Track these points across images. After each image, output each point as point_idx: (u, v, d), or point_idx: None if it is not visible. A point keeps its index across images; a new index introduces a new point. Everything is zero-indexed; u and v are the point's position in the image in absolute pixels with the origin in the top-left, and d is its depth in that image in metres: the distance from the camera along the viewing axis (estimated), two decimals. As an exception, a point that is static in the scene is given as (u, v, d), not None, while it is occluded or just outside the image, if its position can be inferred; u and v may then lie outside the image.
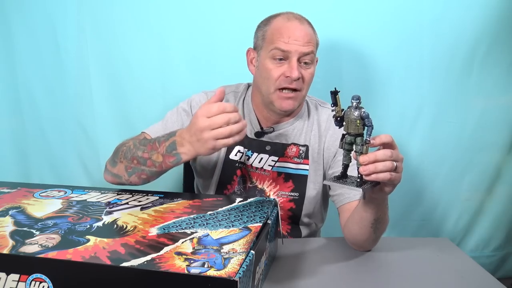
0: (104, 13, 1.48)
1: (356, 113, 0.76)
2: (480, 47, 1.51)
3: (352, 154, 0.79)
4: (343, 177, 0.82)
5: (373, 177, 0.77)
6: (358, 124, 0.76)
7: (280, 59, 1.05)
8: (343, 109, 0.78)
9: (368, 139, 0.76)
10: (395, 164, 0.77)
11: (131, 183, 1.01)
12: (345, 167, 0.82)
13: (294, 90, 1.06)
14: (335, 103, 0.78)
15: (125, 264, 0.65)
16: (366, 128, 0.76)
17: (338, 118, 0.78)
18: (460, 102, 1.56)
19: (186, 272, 0.63)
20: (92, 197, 0.96)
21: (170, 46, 1.51)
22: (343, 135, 0.80)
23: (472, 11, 1.47)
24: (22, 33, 1.49)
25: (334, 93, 0.77)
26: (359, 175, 0.78)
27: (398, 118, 1.56)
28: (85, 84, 1.52)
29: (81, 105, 1.54)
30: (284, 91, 1.06)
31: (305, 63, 1.06)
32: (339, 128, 0.79)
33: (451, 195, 1.65)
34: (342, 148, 0.80)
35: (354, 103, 0.76)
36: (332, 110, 0.78)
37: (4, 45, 1.50)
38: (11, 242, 0.73)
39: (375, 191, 0.83)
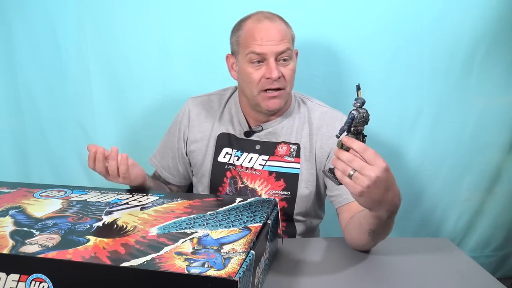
0: (104, 13, 1.48)
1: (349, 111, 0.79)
2: (480, 47, 1.51)
3: None
4: None
5: (335, 170, 0.80)
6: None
7: (258, 62, 1.05)
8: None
9: (338, 134, 0.80)
10: (350, 171, 0.77)
11: None
12: None
13: (278, 89, 1.06)
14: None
15: (125, 264, 0.65)
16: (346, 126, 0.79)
17: None
18: (460, 102, 1.56)
19: (186, 272, 0.63)
20: (92, 197, 0.96)
21: (170, 46, 1.51)
22: None
23: (472, 11, 1.47)
24: (22, 33, 1.49)
25: (357, 88, 0.80)
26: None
27: (398, 118, 1.56)
28: (85, 84, 1.52)
29: (81, 105, 1.54)
30: (268, 91, 1.06)
31: (284, 60, 1.06)
32: None
33: (451, 195, 1.65)
34: None
35: (353, 103, 0.78)
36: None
37: (4, 45, 1.50)
38: (11, 242, 0.73)
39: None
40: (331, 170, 0.83)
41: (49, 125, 1.57)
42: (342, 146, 0.80)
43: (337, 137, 0.80)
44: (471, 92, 1.55)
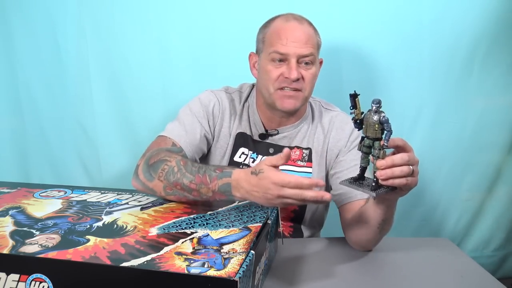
0: (104, 13, 1.48)
1: (376, 117, 0.75)
2: (480, 48, 1.51)
3: (370, 157, 0.78)
4: (360, 179, 0.82)
5: (389, 182, 0.76)
6: (376, 129, 0.75)
7: (280, 61, 1.05)
8: (363, 112, 0.77)
9: (386, 144, 0.75)
10: (411, 169, 0.77)
11: (164, 198, 0.96)
12: (363, 169, 0.81)
13: (295, 89, 1.06)
14: (354, 105, 0.77)
15: (125, 264, 0.65)
16: (384, 132, 0.75)
17: (358, 121, 0.77)
18: (460, 102, 1.56)
19: (186, 272, 0.63)
20: (92, 197, 0.96)
21: (170, 46, 1.51)
22: (362, 138, 0.79)
23: (472, 12, 1.47)
24: (22, 33, 1.49)
25: (354, 96, 0.76)
26: (375, 179, 0.77)
27: (398, 118, 1.56)
28: (85, 84, 1.52)
29: (81, 105, 1.54)
30: (284, 89, 1.06)
31: (306, 63, 1.06)
32: (358, 130, 0.79)
33: (451, 195, 1.65)
34: (360, 150, 0.80)
35: (374, 107, 0.75)
36: (351, 113, 0.78)
37: (4, 45, 1.50)
38: (11, 242, 0.73)
39: (389, 194, 0.82)
40: (357, 181, 0.81)
41: (49, 125, 1.57)
42: (380, 155, 0.76)
43: (386, 147, 0.75)
44: (471, 92, 1.55)
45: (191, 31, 1.49)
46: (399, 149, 0.77)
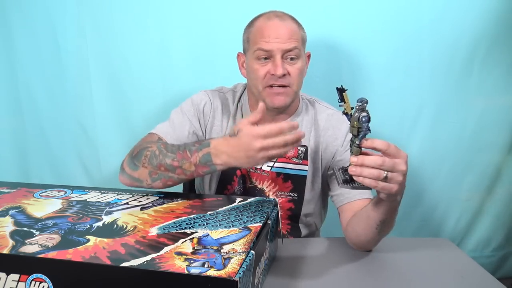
0: (104, 13, 1.48)
1: (356, 115, 0.77)
2: (480, 48, 1.51)
3: None
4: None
5: (359, 179, 0.77)
6: (354, 126, 0.77)
7: (265, 59, 1.05)
8: (352, 107, 0.78)
9: (358, 142, 0.77)
10: (384, 174, 0.76)
11: (152, 187, 0.97)
12: None
13: (283, 86, 1.06)
14: (342, 99, 0.78)
15: (125, 264, 0.65)
16: (361, 132, 0.76)
17: (348, 114, 0.79)
18: (460, 102, 1.56)
19: (186, 272, 0.63)
20: (92, 197, 0.96)
21: (170, 46, 1.51)
22: None
23: (472, 12, 1.48)
24: (22, 33, 1.50)
25: (341, 90, 0.78)
26: (349, 173, 0.79)
27: (398, 118, 1.56)
28: (85, 84, 1.53)
29: (81, 105, 1.55)
30: (273, 87, 1.06)
31: (291, 58, 1.06)
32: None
33: (451, 195, 1.65)
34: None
35: (357, 105, 0.76)
36: (340, 105, 0.79)
37: (4, 45, 1.50)
38: (11, 242, 0.73)
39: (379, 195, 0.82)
40: (345, 170, 0.82)
41: (49, 125, 1.57)
42: (354, 151, 0.77)
43: (358, 146, 0.76)
44: (471, 92, 1.56)
45: (191, 31, 1.49)
46: (385, 153, 0.77)
